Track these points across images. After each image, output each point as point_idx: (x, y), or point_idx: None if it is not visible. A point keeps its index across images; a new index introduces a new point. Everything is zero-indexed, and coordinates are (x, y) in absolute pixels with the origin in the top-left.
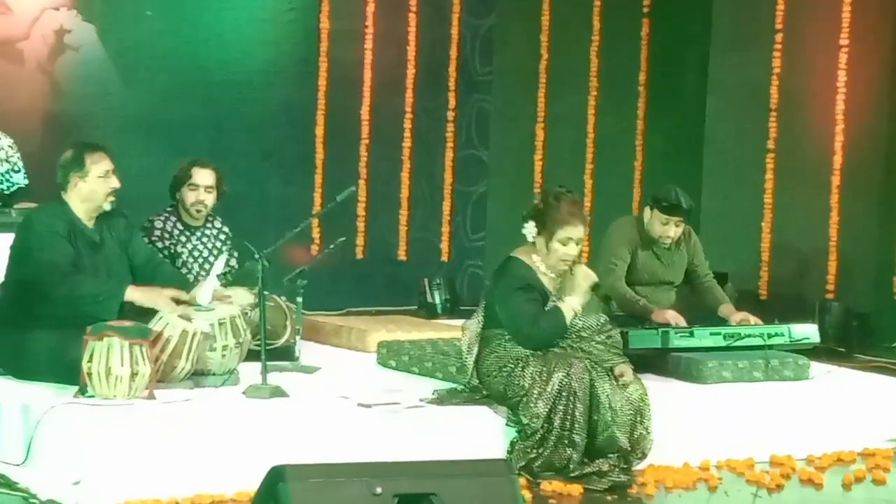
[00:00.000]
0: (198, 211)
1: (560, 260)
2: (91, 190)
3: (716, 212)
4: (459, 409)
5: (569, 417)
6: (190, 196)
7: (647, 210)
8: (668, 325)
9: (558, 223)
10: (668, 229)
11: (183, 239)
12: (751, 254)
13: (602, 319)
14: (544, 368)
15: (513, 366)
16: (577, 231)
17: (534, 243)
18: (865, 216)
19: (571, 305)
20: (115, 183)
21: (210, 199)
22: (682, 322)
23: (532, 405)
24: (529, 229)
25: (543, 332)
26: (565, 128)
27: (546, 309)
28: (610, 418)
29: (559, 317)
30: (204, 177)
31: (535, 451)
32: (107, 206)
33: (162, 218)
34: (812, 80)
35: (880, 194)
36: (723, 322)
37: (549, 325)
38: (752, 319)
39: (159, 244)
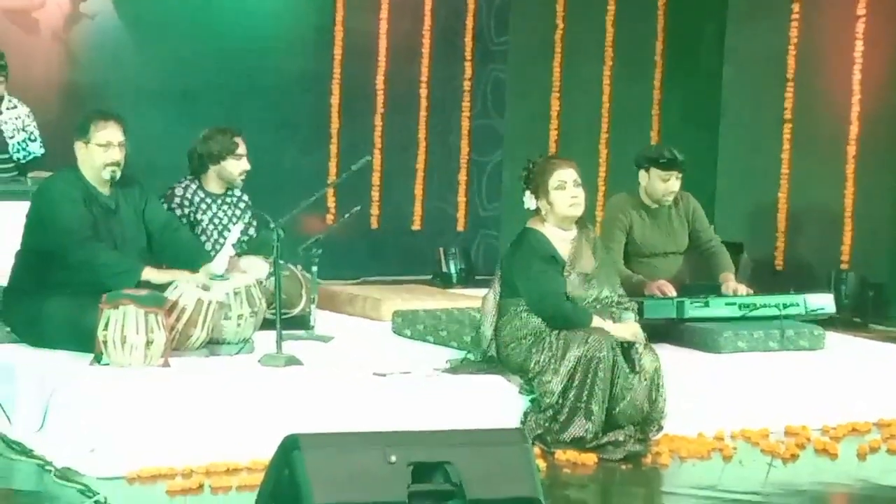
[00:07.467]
0: (243, 180)
1: (568, 207)
2: (90, 157)
3: (732, 182)
4: (474, 378)
5: (586, 389)
6: (238, 166)
7: (642, 174)
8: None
9: (546, 173)
10: (671, 185)
11: (203, 206)
12: (767, 224)
13: (619, 292)
14: (562, 342)
15: (532, 338)
16: (567, 173)
17: (538, 210)
18: (881, 186)
19: (603, 322)
20: (115, 156)
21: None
22: (672, 292)
23: (547, 381)
24: (527, 198)
25: (563, 319)
26: (581, 97)
27: (569, 291)
28: (628, 388)
29: (584, 319)
30: (244, 146)
31: (548, 423)
32: (105, 176)
33: (182, 186)
34: (829, 50)
35: None
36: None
37: (572, 315)
38: (742, 290)
39: (178, 211)
